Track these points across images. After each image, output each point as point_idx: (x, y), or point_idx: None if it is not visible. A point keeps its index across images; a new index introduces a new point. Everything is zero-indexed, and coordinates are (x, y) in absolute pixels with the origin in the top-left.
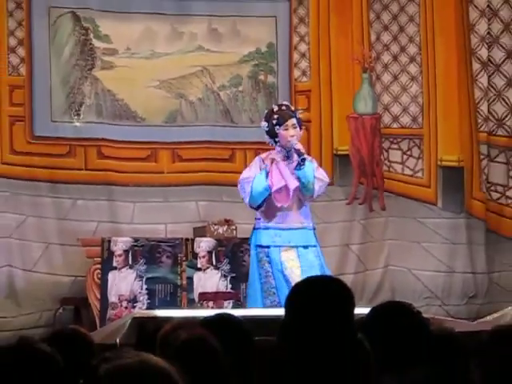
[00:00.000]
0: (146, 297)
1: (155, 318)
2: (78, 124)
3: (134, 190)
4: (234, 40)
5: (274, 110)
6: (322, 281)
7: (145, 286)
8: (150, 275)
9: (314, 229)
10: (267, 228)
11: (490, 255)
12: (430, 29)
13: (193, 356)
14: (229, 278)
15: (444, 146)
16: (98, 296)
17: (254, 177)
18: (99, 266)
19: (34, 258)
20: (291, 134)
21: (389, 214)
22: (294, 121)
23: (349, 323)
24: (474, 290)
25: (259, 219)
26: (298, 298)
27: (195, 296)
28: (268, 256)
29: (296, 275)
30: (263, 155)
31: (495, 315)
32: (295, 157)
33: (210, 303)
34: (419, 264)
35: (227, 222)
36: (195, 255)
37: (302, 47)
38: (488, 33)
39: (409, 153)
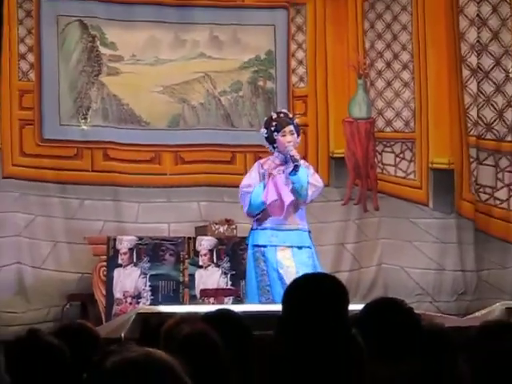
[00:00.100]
0: (150, 293)
1: (159, 314)
2: (85, 127)
3: (138, 190)
4: (234, 47)
5: (273, 117)
6: (318, 278)
7: (148, 283)
8: (153, 272)
9: (309, 231)
10: (264, 228)
11: (478, 254)
12: (421, 37)
13: (195, 349)
14: (229, 276)
15: (435, 150)
16: (104, 292)
17: (253, 190)
18: (105, 263)
19: (43, 255)
20: (288, 140)
21: (382, 214)
22: (291, 127)
23: (343, 319)
24: (463, 287)
25: (255, 221)
26: (295, 294)
27: (197, 292)
28: (264, 255)
29: (290, 274)
30: (262, 160)
31: (483, 311)
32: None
33: (211, 299)
34: (411, 262)
35: (228, 221)
36: (197, 253)
37: (300, 54)
38: (477, 41)
39: (401, 156)
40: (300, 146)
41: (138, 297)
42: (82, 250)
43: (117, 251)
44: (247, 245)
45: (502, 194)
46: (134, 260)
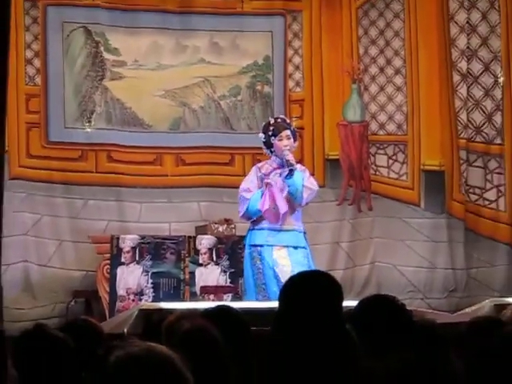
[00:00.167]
0: (152, 290)
1: (160, 310)
2: (89, 130)
3: (140, 191)
4: (233, 53)
5: (271, 122)
6: (313, 275)
7: (150, 280)
8: (155, 270)
9: (305, 232)
10: (261, 229)
11: (468, 252)
12: (413, 43)
13: (195, 344)
14: (228, 273)
15: (426, 152)
16: (108, 289)
17: (251, 198)
18: (108, 261)
19: (49, 253)
20: (285, 144)
21: (375, 214)
22: (288, 132)
23: (337, 315)
24: (453, 284)
25: (254, 221)
26: (291, 291)
27: (197, 289)
28: (260, 254)
29: (286, 273)
30: (260, 164)
31: (473, 308)
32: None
33: (211, 296)
34: (403, 260)
35: (227, 221)
36: (197, 252)
37: (296, 60)
38: (467, 47)
39: (394, 158)
40: (296, 148)
41: (140, 294)
42: (87, 248)
43: (120, 250)
44: (245, 244)
45: (490, 194)
46: (137, 258)
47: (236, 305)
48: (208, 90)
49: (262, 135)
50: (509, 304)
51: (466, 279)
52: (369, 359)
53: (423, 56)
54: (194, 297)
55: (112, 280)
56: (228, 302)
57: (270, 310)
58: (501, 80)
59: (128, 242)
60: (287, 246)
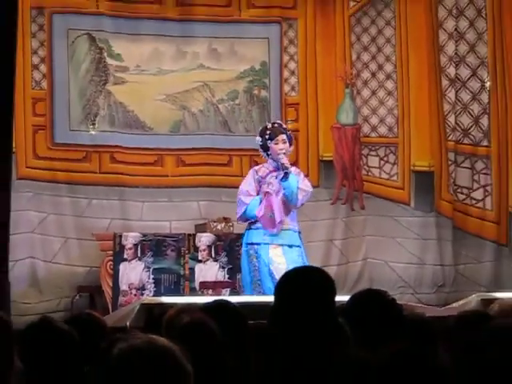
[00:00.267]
0: (153, 285)
1: (161, 304)
2: (93, 132)
3: (142, 190)
4: (231, 59)
5: (268, 126)
6: (307, 271)
7: (152, 276)
8: (156, 266)
9: (300, 232)
10: (258, 228)
11: (456, 249)
12: (404, 49)
13: (194, 337)
14: (226, 269)
15: (416, 153)
16: (111, 284)
17: (250, 203)
18: (111, 258)
19: (54, 250)
20: (280, 147)
21: (367, 212)
22: (284, 136)
23: (331, 309)
24: (442, 280)
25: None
26: (286, 286)
27: (196, 285)
28: (257, 252)
29: (281, 270)
30: (257, 167)
31: (461, 302)
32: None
33: (210, 291)
34: (394, 257)
35: (225, 219)
36: (196, 249)
37: (292, 65)
38: (455, 53)
39: (385, 159)
40: (292, 151)
41: (142, 289)
42: (91, 245)
43: (122, 247)
44: (242, 243)
45: (477, 194)
46: (139, 255)
47: (234, 299)
48: (207, 94)
49: (259, 139)
50: (495, 299)
51: (454, 275)
52: (361, 351)
53: (413, 62)
54: (193, 292)
55: (115, 276)
56: (226, 296)
57: (266, 304)
58: (487, 85)
59: (130, 239)
60: (282, 245)
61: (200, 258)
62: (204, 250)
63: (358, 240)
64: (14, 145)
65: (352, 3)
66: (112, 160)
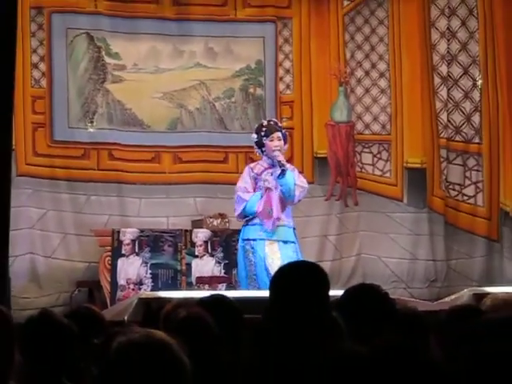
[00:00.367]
0: (151, 280)
1: (158, 299)
2: (91, 130)
3: (140, 187)
4: (227, 57)
5: (263, 124)
6: (301, 266)
7: (149, 271)
8: (153, 261)
9: (294, 228)
10: (254, 224)
11: (448, 245)
12: (397, 48)
13: (190, 331)
14: (222, 264)
15: (409, 150)
16: (109, 279)
17: (249, 199)
18: (110, 253)
19: (54, 246)
20: (275, 144)
21: (361, 209)
22: (279, 134)
23: (325, 303)
24: (434, 275)
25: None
26: (280, 280)
27: (193, 280)
28: (253, 248)
29: (276, 266)
30: (252, 165)
31: (452, 297)
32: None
33: (206, 286)
34: (387, 252)
35: (221, 215)
36: (193, 244)
37: (287, 64)
38: (447, 52)
39: (378, 156)
40: (287, 149)
41: (139, 283)
42: (89, 241)
43: (120, 242)
44: (239, 239)
45: (469, 190)
46: (136, 250)
47: (230, 294)
48: (203, 92)
49: (254, 135)
50: (487, 293)
51: (446, 270)
52: (354, 345)
53: (406, 60)
54: (190, 286)
55: (113, 271)
56: (222, 291)
57: (262, 299)
58: (479, 83)
59: (128, 235)
60: (278, 241)
61: (197, 253)
62: (200, 246)
63: (352, 236)
64: (13, 142)
65: (346, 2)
66: (110, 157)
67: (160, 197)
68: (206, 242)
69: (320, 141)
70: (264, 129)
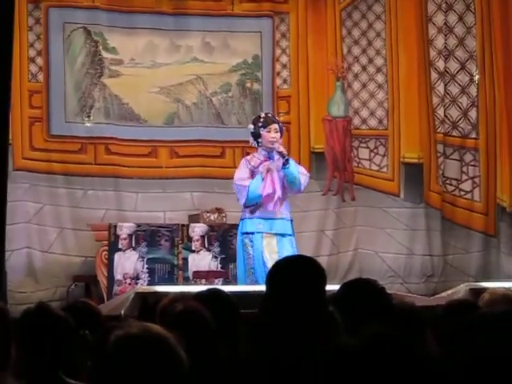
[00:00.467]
0: (147, 275)
1: (155, 293)
2: (88, 124)
3: (137, 182)
4: (224, 52)
5: (261, 115)
6: (298, 260)
7: (146, 266)
8: (150, 256)
9: (292, 220)
10: (252, 218)
11: (445, 240)
12: (394, 43)
13: (187, 324)
14: (219, 259)
15: (406, 145)
16: (106, 274)
17: (250, 183)
18: (106, 247)
19: (50, 240)
20: (272, 135)
21: (358, 204)
22: (276, 126)
23: (321, 297)
24: (431, 270)
25: (245, 211)
26: (278, 274)
27: (190, 274)
28: (251, 241)
29: (273, 259)
30: (248, 157)
31: (449, 292)
32: (276, 157)
33: (203, 280)
34: (384, 247)
35: (218, 210)
36: (190, 239)
37: (284, 59)
38: (444, 47)
39: (375, 151)
40: (283, 141)
41: (136, 278)
42: (86, 235)
43: (117, 237)
44: (237, 233)
45: (466, 185)
46: (133, 245)
47: (226, 288)
48: (200, 86)
49: (251, 126)
50: (483, 288)
51: (443, 265)
52: (351, 339)
53: (403, 55)
54: (186, 281)
55: (110, 265)
56: (219, 286)
57: (258, 294)
58: (476, 78)
59: (125, 229)
60: (276, 234)
61: (193, 248)
62: (197, 240)
63: (349, 231)
64: (10, 136)
65: None
66: (107, 151)
67: (157, 191)
68: (202, 237)
69: (317, 136)
70: (262, 119)
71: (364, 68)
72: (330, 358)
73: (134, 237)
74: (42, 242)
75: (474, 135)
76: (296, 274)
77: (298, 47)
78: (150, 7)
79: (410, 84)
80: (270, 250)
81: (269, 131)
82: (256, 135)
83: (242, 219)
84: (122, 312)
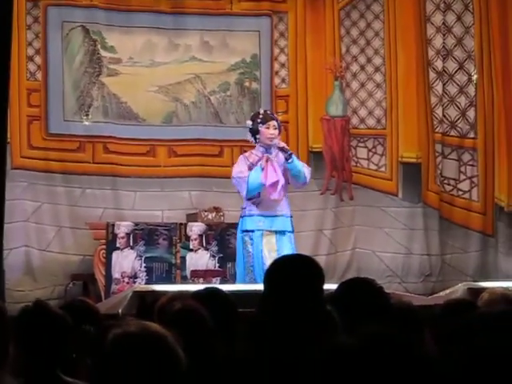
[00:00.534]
0: (145, 273)
1: (153, 292)
2: (87, 123)
3: (135, 180)
4: (222, 51)
5: (260, 112)
6: (296, 259)
7: (144, 264)
8: (148, 255)
9: (291, 217)
10: (251, 215)
11: (443, 239)
12: (392, 43)
13: (185, 323)
14: (217, 258)
15: (404, 145)
16: (104, 273)
17: (249, 174)
18: (104, 246)
19: (48, 239)
20: (271, 132)
21: (356, 203)
22: (275, 123)
23: (319, 296)
24: (429, 269)
25: (245, 208)
26: (276, 273)
27: (188, 273)
28: (251, 239)
29: (272, 257)
30: (246, 154)
31: (447, 291)
32: (274, 152)
33: (201, 279)
34: (382, 247)
35: (216, 209)
36: (188, 238)
37: (282, 58)
38: (443, 46)
39: (374, 150)
40: (282, 141)
41: (134, 277)
42: (84, 234)
43: (115, 235)
44: (237, 231)
45: (464, 185)
46: (131, 244)
47: (224, 287)
48: (199, 85)
49: (249, 122)
50: (481, 288)
51: (441, 264)
52: (349, 338)
53: (401, 55)
54: (184, 280)
55: (108, 264)
56: (217, 285)
57: (256, 293)
58: (474, 78)
59: (123, 228)
60: (276, 232)
61: (191, 246)
62: (195, 239)
63: (347, 230)
64: (8, 135)
65: None
66: (105, 150)
67: (155, 190)
68: (200, 236)
69: (315, 135)
70: (261, 116)
71: (362, 67)
72: (328, 357)
73: (131, 235)
74: (40, 241)
75: (472, 135)
76: (294, 273)
77: (297, 46)
78: (149, 6)
79: (408, 83)
80: (270, 248)
81: (267, 127)
82: (254, 131)
83: (241, 217)
84: (120, 311)
